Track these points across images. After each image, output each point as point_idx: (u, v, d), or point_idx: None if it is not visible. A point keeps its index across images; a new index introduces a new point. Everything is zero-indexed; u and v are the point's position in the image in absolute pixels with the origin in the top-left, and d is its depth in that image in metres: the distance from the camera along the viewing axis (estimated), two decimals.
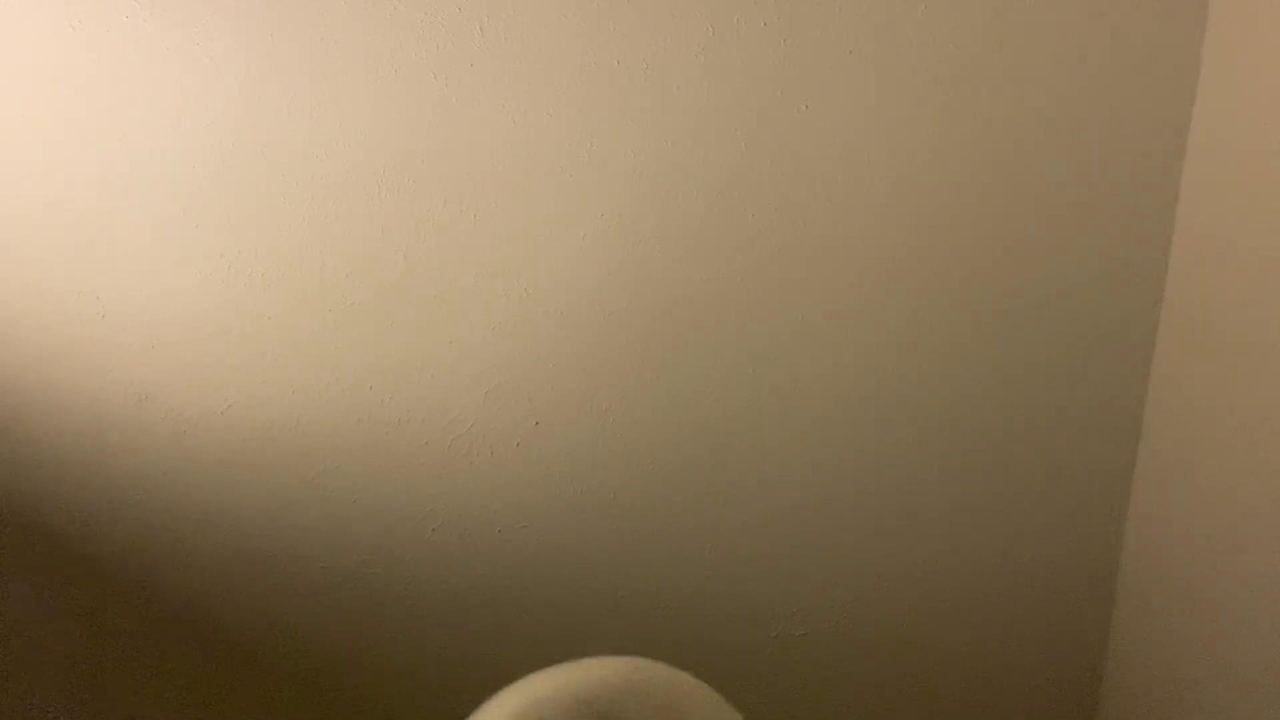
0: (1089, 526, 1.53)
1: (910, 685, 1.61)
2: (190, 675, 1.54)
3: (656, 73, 1.34)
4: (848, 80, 1.35)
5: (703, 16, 1.32)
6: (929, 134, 1.38)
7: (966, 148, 1.38)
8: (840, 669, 1.59)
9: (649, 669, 0.99)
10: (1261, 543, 1.27)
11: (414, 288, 1.40)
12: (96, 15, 1.27)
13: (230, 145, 1.33)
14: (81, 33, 1.28)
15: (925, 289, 1.44)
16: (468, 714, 0.90)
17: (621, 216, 1.39)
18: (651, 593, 1.54)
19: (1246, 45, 1.29)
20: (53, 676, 1.52)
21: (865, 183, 1.39)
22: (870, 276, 1.43)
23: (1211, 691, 1.37)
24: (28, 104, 1.30)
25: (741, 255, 1.41)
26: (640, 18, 1.32)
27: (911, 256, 1.42)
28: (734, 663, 1.58)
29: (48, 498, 1.45)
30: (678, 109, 1.35)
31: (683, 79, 1.34)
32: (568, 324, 1.42)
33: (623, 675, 0.96)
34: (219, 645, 1.53)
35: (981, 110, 1.37)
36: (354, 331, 1.41)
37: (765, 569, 1.54)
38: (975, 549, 1.54)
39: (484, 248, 1.39)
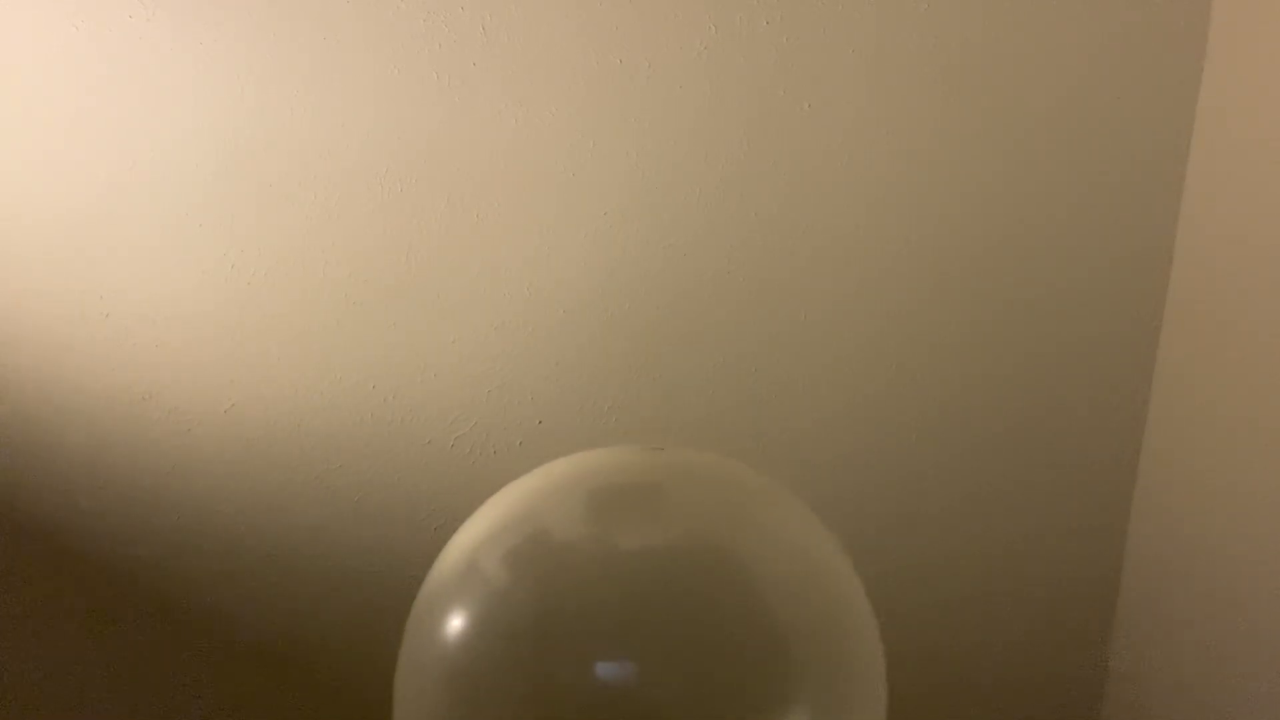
0: (1093, 522, 1.54)
1: (913, 682, 1.60)
2: (192, 674, 1.54)
3: (658, 72, 1.34)
4: (850, 79, 1.35)
5: (705, 15, 1.32)
6: (932, 132, 1.38)
7: (969, 145, 1.38)
8: None
9: (686, 451, 0.83)
10: (1265, 538, 1.27)
11: (416, 287, 1.40)
12: (99, 15, 1.27)
13: (233, 144, 1.33)
14: (84, 32, 1.28)
15: (928, 287, 1.44)
16: None
17: (624, 215, 1.39)
18: None
19: (1250, 40, 1.29)
20: (54, 676, 1.52)
21: (868, 181, 1.39)
22: (873, 275, 1.43)
23: (1216, 688, 1.37)
24: (29, 103, 1.30)
25: (744, 253, 1.42)
26: (642, 17, 1.32)
27: (915, 254, 1.42)
28: None
29: (49, 497, 1.44)
30: (680, 108, 1.36)
31: (685, 78, 1.34)
32: (570, 322, 1.42)
33: (655, 460, 0.79)
34: (221, 644, 1.53)
35: (984, 108, 1.37)
36: (356, 331, 1.41)
37: None
38: (978, 545, 1.54)
39: (486, 247, 1.39)
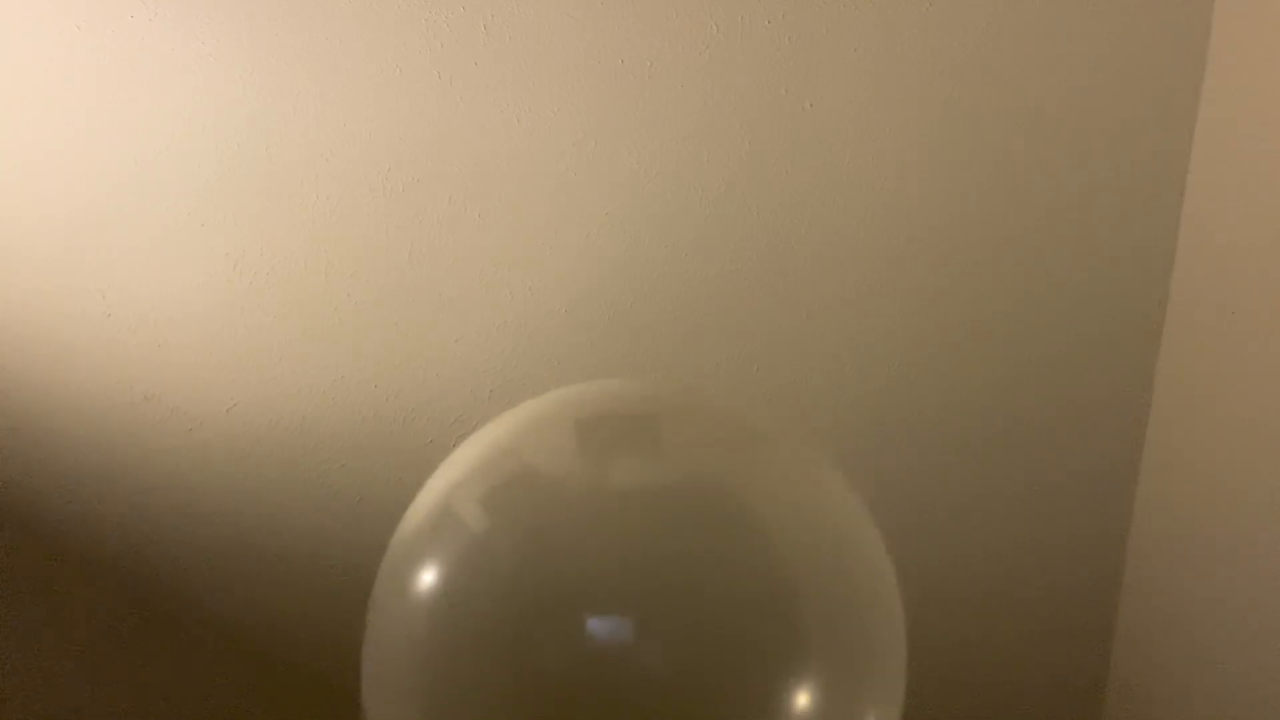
0: (1095, 522, 1.53)
1: (915, 680, 1.60)
2: (194, 674, 1.54)
3: (660, 71, 1.34)
4: (851, 78, 1.35)
5: (706, 15, 1.32)
6: (933, 132, 1.38)
7: (971, 145, 1.38)
8: None
9: (686, 388, 0.74)
10: (1266, 538, 1.27)
11: (418, 286, 1.40)
12: (101, 15, 1.27)
13: (235, 144, 1.33)
14: (86, 32, 1.28)
15: (930, 287, 1.44)
16: None
17: (625, 214, 1.39)
18: None
19: (1252, 42, 1.29)
20: (56, 676, 1.52)
21: (869, 181, 1.39)
22: (874, 274, 1.43)
23: (1217, 687, 1.37)
24: (33, 103, 1.30)
25: (745, 253, 1.41)
26: (644, 16, 1.32)
27: (916, 254, 1.42)
28: None
29: (52, 497, 1.44)
30: (681, 107, 1.35)
31: (686, 77, 1.34)
32: (572, 322, 1.42)
33: (653, 391, 0.70)
34: (223, 644, 1.53)
35: (986, 107, 1.37)
36: (358, 330, 1.41)
37: None
38: (981, 545, 1.54)
39: (488, 246, 1.39)
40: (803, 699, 0.61)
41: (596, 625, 0.57)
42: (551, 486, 0.57)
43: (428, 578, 0.63)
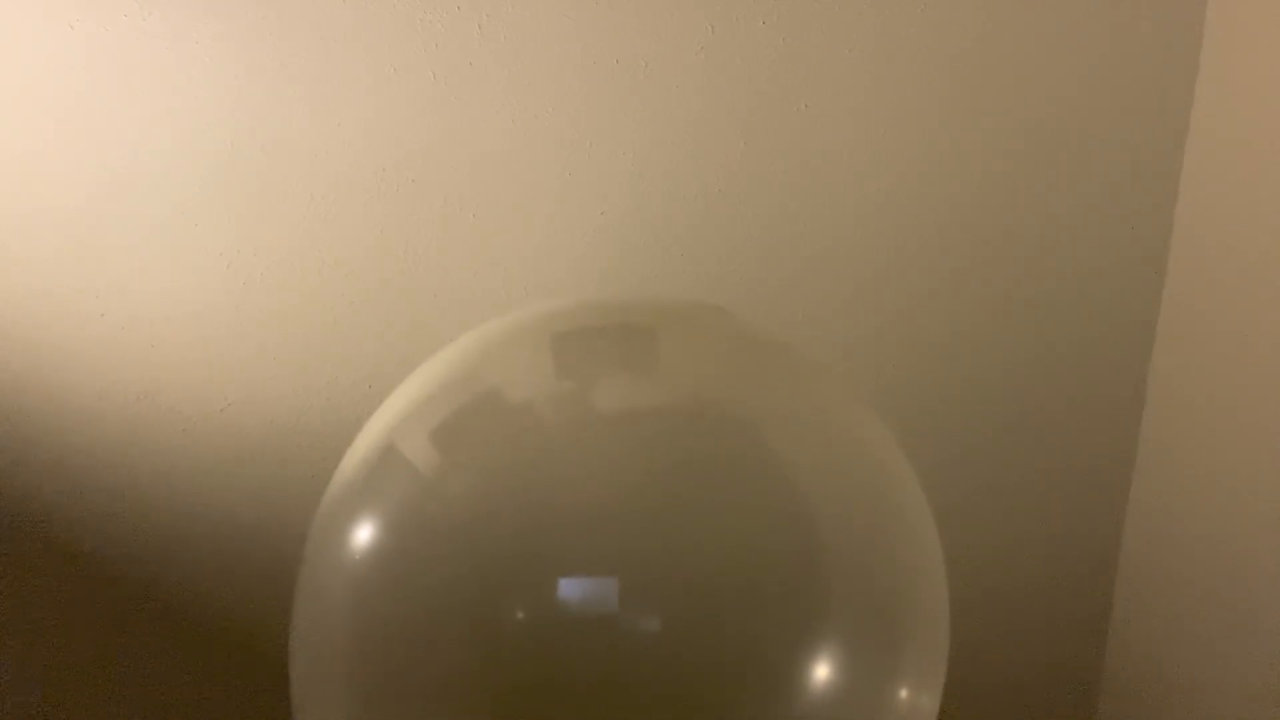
0: (1089, 518, 1.54)
1: None
2: (191, 674, 1.54)
3: (656, 71, 1.34)
4: (847, 79, 1.35)
5: (702, 15, 1.32)
6: (928, 132, 1.38)
7: (966, 145, 1.38)
8: None
9: (683, 300, 0.64)
10: (1259, 534, 1.28)
11: (413, 286, 1.40)
12: (95, 14, 1.27)
13: (229, 144, 1.33)
14: (80, 32, 1.27)
15: (925, 286, 1.44)
16: None
17: (621, 215, 1.39)
18: None
19: (1245, 42, 1.29)
20: (55, 676, 1.52)
21: (864, 181, 1.39)
22: (869, 275, 1.43)
23: (1210, 682, 1.38)
24: (25, 103, 1.30)
25: (740, 253, 1.42)
26: (639, 16, 1.32)
27: (912, 254, 1.42)
28: None
29: (48, 497, 1.44)
30: (677, 107, 1.35)
31: (682, 77, 1.34)
32: None
33: (647, 302, 0.63)
34: (218, 643, 1.53)
35: (981, 108, 1.37)
36: (353, 330, 1.41)
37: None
38: (976, 541, 1.54)
39: (483, 246, 1.39)
40: (823, 673, 0.50)
41: (574, 587, 0.45)
42: (519, 415, 0.43)
43: (366, 531, 0.48)
